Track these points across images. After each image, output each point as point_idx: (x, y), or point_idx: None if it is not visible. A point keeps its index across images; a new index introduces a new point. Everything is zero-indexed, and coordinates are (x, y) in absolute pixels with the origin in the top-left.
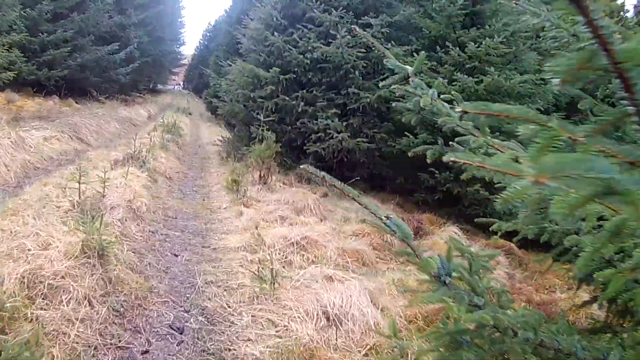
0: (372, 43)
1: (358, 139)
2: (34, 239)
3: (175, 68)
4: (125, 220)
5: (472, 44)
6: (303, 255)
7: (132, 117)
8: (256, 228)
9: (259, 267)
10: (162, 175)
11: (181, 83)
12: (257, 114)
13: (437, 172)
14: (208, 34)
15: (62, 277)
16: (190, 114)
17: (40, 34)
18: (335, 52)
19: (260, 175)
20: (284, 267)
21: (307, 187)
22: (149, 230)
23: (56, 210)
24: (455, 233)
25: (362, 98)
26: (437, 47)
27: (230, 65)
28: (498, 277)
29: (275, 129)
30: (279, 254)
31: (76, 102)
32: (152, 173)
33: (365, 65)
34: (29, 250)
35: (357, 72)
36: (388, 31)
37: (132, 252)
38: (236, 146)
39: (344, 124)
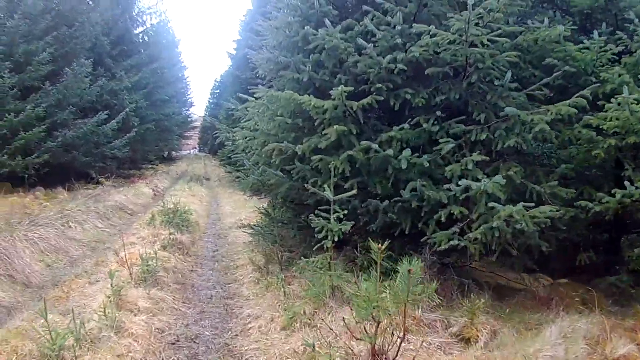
0: None
1: (533, 210)
2: None
3: (187, 132)
4: None
5: None
6: None
7: (128, 202)
8: None
9: None
10: None
11: (197, 147)
12: (316, 184)
13: None
14: (216, 91)
15: None
16: (208, 179)
17: (6, 115)
18: (458, 41)
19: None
20: None
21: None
22: None
23: None
24: None
25: (530, 124)
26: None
27: (245, 103)
28: None
29: (355, 208)
30: None
31: (68, 190)
32: None
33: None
34: None
35: (505, 77)
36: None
37: None
38: (278, 237)
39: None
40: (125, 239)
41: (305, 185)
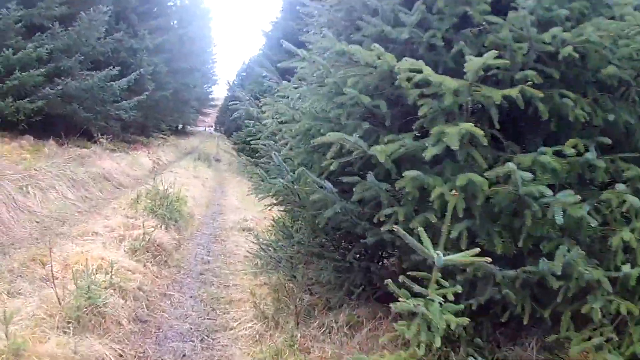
0: None
1: None
2: None
3: (206, 109)
4: None
5: None
6: None
7: (118, 172)
8: None
9: None
10: None
11: (213, 125)
12: (392, 218)
13: None
14: (243, 74)
15: None
16: (218, 160)
17: (4, 50)
18: None
19: None
20: None
21: None
22: None
23: None
24: None
25: None
26: None
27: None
28: None
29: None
30: None
31: (60, 145)
32: None
33: None
34: None
35: None
36: None
37: None
38: (299, 270)
39: None
40: (88, 225)
41: (382, 221)
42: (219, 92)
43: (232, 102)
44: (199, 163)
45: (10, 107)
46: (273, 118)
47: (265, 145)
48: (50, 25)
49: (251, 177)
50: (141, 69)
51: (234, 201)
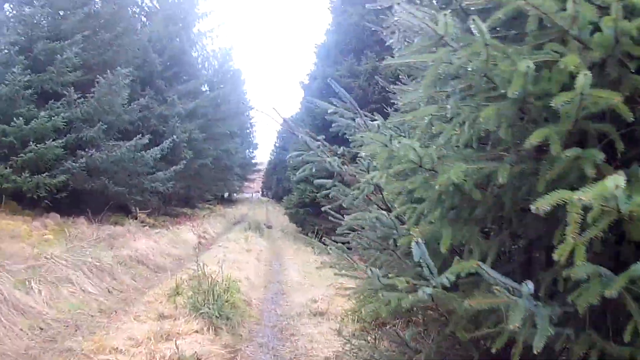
0: None
1: None
2: None
3: (251, 174)
4: None
5: None
6: None
7: (156, 252)
8: None
9: None
10: None
11: (260, 190)
12: None
13: None
14: (284, 134)
15: None
16: (270, 227)
17: (14, 120)
18: None
19: None
20: None
21: None
22: None
23: None
24: None
25: None
26: None
27: None
28: None
29: None
30: None
31: (90, 222)
32: None
33: None
34: None
35: None
36: None
37: None
38: None
39: None
40: (107, 335)
41: None
42: (262, 157)
43: (297, 153)
44: (249, 233)
45: (28, 182)
46: (380, 169)
47: (375, 220)
48: (65, 92)
49: (337, 271)
50: (174, 136)
51: (296, 275)
